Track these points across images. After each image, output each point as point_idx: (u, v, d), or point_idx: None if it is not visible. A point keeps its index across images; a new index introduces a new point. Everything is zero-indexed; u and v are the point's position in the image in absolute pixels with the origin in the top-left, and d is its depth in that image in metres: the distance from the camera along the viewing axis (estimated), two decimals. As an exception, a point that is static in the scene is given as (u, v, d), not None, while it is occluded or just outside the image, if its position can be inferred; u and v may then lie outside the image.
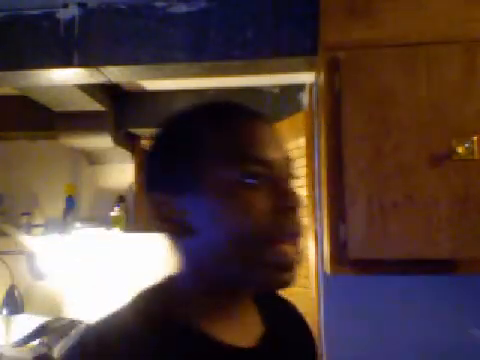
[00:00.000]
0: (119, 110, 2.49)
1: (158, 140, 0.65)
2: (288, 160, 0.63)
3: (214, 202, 0.58)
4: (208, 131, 0.60)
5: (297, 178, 0.64)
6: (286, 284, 0.60)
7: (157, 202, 0.61)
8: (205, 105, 0.65)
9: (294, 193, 0.60)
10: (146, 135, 2.72)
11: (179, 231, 0.61)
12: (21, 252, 2.63)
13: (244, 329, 0.65)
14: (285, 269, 0.59)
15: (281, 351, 0.67)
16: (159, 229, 0.63)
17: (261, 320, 0.68)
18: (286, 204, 0.59)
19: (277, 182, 0.60)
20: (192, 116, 0.64)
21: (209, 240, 0.59)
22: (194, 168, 0.59)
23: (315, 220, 1.80)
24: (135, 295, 0.64)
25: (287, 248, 0.59)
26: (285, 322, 0.73)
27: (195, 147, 0.60)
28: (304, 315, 0.80)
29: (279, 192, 0.59)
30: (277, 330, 0.69)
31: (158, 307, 0.61)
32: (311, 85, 1.94)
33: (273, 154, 0.60)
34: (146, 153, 0.66)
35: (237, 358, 0.60)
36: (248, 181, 0.58)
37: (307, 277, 1.93)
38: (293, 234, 0.60)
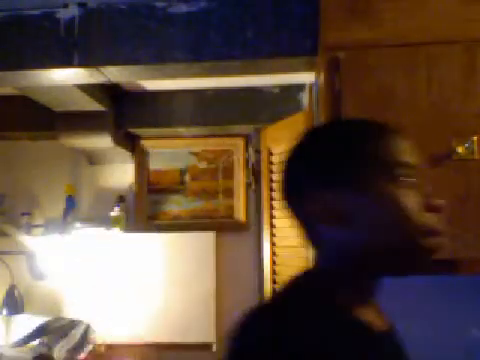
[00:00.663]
0: (119, 110, 2.49)
1: (314, 146, 0.75)
2: (419, 165, 0.72)
3: (374, 199, 0.68)
4: (365, 142, 0.71)
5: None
6: (431, 263, 0.71)
7: (323, 199, 0.70)
8: (352, 121, 0.81)
9: (433, 195, 0.70)
10: (145, 135, 2.73)
11: (341, 223, 0.69)
12: (21, 252, 2.63)
13: (380, 316, 0.76)
14: (432, 253, 0.70)
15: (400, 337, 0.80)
16: (320, 222, 0.71)
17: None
18: (432, 203, 0.69)
19: (420, 184, 0.70)
20: (347, 130, 0.76)
21: (368, 230, 0.68)
22: (356, 173, 0.70)
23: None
24: (281, 288, 0.72)
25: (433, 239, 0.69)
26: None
27: (357, 155, 0.71)
28: None
29: (424, 192, 0.70)
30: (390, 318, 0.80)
31: (313, 294, 0.69)
32: (311, 85, 1.94)
33: (415, 160, 0.71)
34: (300, 158, 0.76)
35: (382, 340, 0.72)
36: (401, 181, 0.68)
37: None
38: (437, 231, 0.69)
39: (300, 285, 0.72)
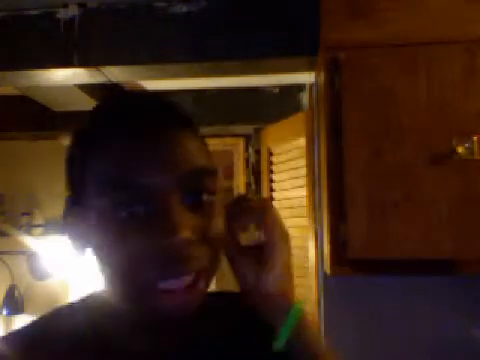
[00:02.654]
0: (119, 110, 2.49)
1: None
2: (186, 181, 0.50)
3: (94, 230, 0.50)
4: (82, 151, 0.52)
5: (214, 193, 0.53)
6: (173, 322, 0.52)
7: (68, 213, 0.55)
8: (92, 111, 0.55)
9: (185, 224, 0.47)
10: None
11: (79, 247, 0.55)
12: (21, 252, 2.63)
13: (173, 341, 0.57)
14: (166, 317, 0.51)
15: (204, 354, 0.58)
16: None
17: (186, 326, 0.57)
18: (166, 242, 0.47)
19: (159, 212, 0.48)
20: (77, 132, 0.55)
21: (99, 266, 0.53)
22: (76, 190, 0.53)
23: (315, 220, 1.80)
24: (64, 304, 0.61)
25: (169, 301, 0.49)
26: (222, 322, 0.63)
27: (74, 168, 0.53)
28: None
29: (157, 225, 0.47)
30: (206, 333, 0.60)
31: (82, 317, 0.57)
32: (311, 85, 1.94)
33: (153, 177, 0.48)
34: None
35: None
36: (120, 211, 0.48)
37: (307, 277, 1.93)
38: (178, 281, 0.49)
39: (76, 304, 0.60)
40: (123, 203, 0.48)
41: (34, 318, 0.59)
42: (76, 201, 0.53)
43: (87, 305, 0.59)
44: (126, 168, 0.48)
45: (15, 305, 2.60)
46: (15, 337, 0.56)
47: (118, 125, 0.50)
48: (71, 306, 0.60)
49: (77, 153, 0.53)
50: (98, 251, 0.52)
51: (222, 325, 0.62)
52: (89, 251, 0.54)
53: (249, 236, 0.61)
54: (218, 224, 0.52)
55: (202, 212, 0.50)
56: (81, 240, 0.54)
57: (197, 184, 0.51)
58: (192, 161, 0.51)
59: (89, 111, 0.55)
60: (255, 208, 0.59)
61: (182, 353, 0.56)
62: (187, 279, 0.49)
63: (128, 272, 0.49)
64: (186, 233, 0.47)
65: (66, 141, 2.54)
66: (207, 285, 0.54)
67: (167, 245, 0.47)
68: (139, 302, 0.51)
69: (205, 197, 0.51)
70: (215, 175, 0.53)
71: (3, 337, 0.57)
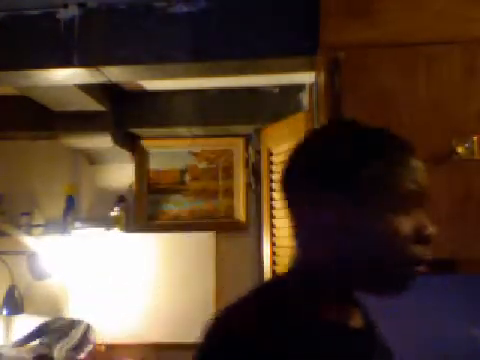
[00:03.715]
0: (119, 110, 2.49)
1: (322, 149, 0.73)
2: (425, 191, 0.70)
3: (369, 219, 0.67)
4: (376, 160, 0.69)
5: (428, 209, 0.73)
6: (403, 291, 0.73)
7: (320, 204, 0.69)
8: (369, 130, 0.76)
9: (428, 225, 0.69)
10: (145, 135, 2.72)
11: (331, 232, 0.69)
12: (21, 252, 2.63)
13: (355, 316, 0.76)
14: (412, 280, 0.71)
15: (377, 335, 0.80)
16: (312, 225, 0.71)
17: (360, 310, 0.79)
18: (425, 233, 0.68)
19: (415, 211, 0.68)
20: (361, 140, 0.73)
21: (355, 246, 0.68)
22: (359, 190, 0.68)
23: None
24: (253, 290, 0.72)
25: (417, 272, 0.69)
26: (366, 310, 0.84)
27: (365, 173, 0.68)
28: None
29: (417, 221, 0.68)
30: (366, 316, 0.80)
31: (281, 299, 0.69)
32: (311, 85, 1.94)
33: (421, 186, 0.69)
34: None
35: (354, 337, 0.72)
36: (401, 208, 0.67)
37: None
38: (422, 263, 0.69)
39: (273, 286, 0.74)
40: (411, 201, 0.68)
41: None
42: (349, 201, 0.68)
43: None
44: (412, 181, 0.69)
45: (15, 305, 2.60)
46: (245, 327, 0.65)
47: (405, 155, 0.71)
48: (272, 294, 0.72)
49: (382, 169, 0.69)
50: (364, 233, 0.68)
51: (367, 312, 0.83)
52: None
53: None
54: None
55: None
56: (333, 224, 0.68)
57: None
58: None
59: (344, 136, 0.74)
60: None
61: (367, 329, 0.77)
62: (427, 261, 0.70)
63: (397, 247, 0.67)
64: (433, 229, 0.70)
65: (67, 141, 2.54)
66: None
67: (429, 234, 0.69)
68: (398, 269, 0.69)
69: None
70: None
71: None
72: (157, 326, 2.59)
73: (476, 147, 1.08)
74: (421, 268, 0.70)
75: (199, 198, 2.71)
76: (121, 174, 2.83)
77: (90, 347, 2.48)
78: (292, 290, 0.71)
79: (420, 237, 0.68)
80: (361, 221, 0.67)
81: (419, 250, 0.68)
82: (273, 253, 2.23)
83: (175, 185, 2.73)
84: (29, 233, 2.72)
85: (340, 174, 0.69)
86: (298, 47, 1.46)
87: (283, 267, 2.15)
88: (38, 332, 2.51)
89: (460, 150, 1.09)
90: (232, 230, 2.67)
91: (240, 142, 2.68)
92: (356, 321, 0.75)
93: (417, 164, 0.70)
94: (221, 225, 2.67)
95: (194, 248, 2.62)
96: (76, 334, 2.47)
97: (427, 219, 0.70)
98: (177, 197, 2.72)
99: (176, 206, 2.72)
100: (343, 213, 0.67)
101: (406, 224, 0.67)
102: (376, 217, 0.67)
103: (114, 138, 2.49)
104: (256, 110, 2.43)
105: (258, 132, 2.48)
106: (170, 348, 2.56)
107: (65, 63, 1.53)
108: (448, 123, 1.11)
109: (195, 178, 2.72)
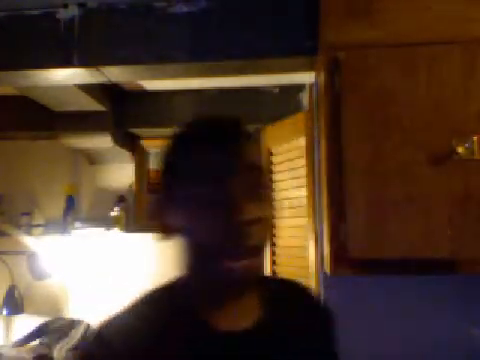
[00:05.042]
0: (119, 110, 2.49)
1: (165, 152, 0.74)
2: (248, 176, 0.67)
3: (183, 215, 0.67)
4: (176, 156, 0.71)
5: (265, 192, 0.71)
6: (237, 294, 0.69)
7: (161, 210, 0.72)
8: (182, 130, 0.74)
9: (248, 208, 0.64)
10: (145, 135, 2.72)
11: (169, 233, 0.72)
12: (21, 252, 2.63)
13: (241, 314, 0.72)
14: (232, 284, 0.67)
15: (277, 333, 0.73)
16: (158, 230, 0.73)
17: (260, 305, 0.75)
18: (237, 220, 0.63)
19: (229, 199, 0.64)
20: (172, 141, 0.73)
21: (183, 245, 0.70)
22: (169, 186, 0.70)
23: (315, 220, 1.80)
24: (151, 288, 0.75)
25: (238, 264, 0.64)
26: (290, 306, 0.79)
27: (171, 169, 0.71)
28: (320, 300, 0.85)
29: (230, 208, 0.64)
30: (276, 314, 0.75)
31: (166, 297, 0.72)
32: (311, 85, 1.94)
33: (222, 171, 0.66)
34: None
35: (229, 340, 0.68)
36: (201, 199, 0.65)
37: (307, 277, 1.93)
38: (245, 250, 0.64)
39: (157, 290, 0.75)
40: (206, 192, 0.65)
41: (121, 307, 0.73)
42: (168, 197, 0.70)
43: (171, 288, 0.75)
44: (209, 166, 0.66)
45: (15, 305, 2.60)
46: (111, 324, 0.71)
47: (201, 139, 0.70)
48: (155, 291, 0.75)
49: (170, 156, 0.71)
50: (185, 232, 0.68)
51: (288, 309, 0.78)
52: (174, 236, 0.71)
53: None
54: (271, 213, 0.69)
55: (260, 203, 0.67)
56: (170, 227, 0.70)
57: (256, 178, 0.68)
58: (252, 161, 0.69)
59: (180, 129, 0.73)
60: None
61: (257, 329, 0.71)
62: (251, 250, 0.65)
63: (209, 243, 0.65)
64: (251, 215, 0.64)
65: (67, 141, 2.54)
66: (262, 259, 0.69)
67: (238, 223, 0.63)
68: (216, 266, 0.65)
69: (262, 191, 0.69)
70: (263, 171, 0.71)
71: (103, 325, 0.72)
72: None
73: (476, 147, 1.08)
74: (245, 261, 0.65)
75: (199, 198, 2.71)
76: (121, 174, 2.83)
77: (90, 347, 2.48)
78: (171, 291, 0.74)
79: (233, 223, 0.64)
80: (182, 221, 0.68)
81: (233, 236, 0.64)
82: (273, 253, 2.23)
83: (175, 185, 2.73)
84: (29, 233, 2.72)
85: (163, 176, 0.72)
86: (298, 47, 1.46)
87: (283, 267, 2.16)
88: (38, 332, 2.51)
89: (460, 150, 1.09)
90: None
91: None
92: (243, 320, 0.71)
93: (224, 152, 0.68)
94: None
95: (194, 248, 2.62)
96: (76, 334, 2.47)
97: (242, 204, 0.64)
98: (177, 197, 2.72)
99: (176, 206, 2.72)
100: (173, 216, 0.69)
101: (212, 211, 0.65)
102: (185, 213, 0.67)
103: (114, 138, 2.49)
104: (256, 110, 2.43)
105: (258, 132, 2.48)
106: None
107: (65, 63, 1.53)
108: (448, 123, 1.11)
109: (195, 178, 2.72)
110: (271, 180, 2.25)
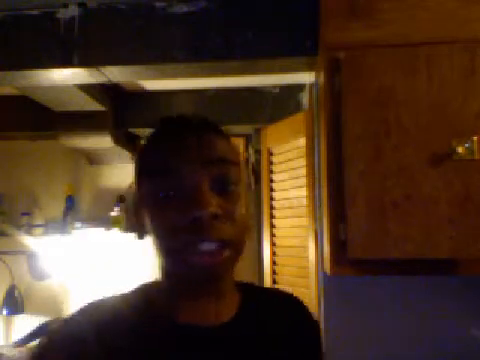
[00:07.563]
0: (119, 110, 2.49)
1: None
2: (214, 170, 0.64)
3: (149, 212, 0.65)
4: (143, 153, 0.69)
5: (234, 183, 0.66)
6: (204, 291, 0.67)
7: (134, 209, 0.71)
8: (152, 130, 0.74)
9: (210, 202, 0.60)
10: (145, 135, 2.73)
11: (142, 232, 0.70)
12: (21, 252, 2.63)
13: (213, 312, 0.69)
14: (194, 280, 0.64)
15: (249, 335, 0.70)
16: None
17: (239, 306, 0.72)
18: (196, 213, 0.60)
19: (188, 191, 0.62)
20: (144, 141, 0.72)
21: (152, 242, 0.68)
22: (139, 184, 0.68)
23: (315, 220, 1.80)
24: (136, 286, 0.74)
25: (199, 260, 0.61)
26: (274, 313, 0.76)
27: (139, 167, 0.69)
28: (307, 309, 0.81)
29: (189, 201, 0.61)
30: (254, 318, 0.72)
31: (142, 297, 0.72)
32: (311, 85, 1.94)
33: (186, 165, 0.63)
34: None
35: (199, 337, 0.66)
36: (162, 192, 0.63)
37: (307, 277, 1.93)
38: (206, 245, 0.61)
39: (136, 289, 0.75)
40: (165, 187, 0.63)
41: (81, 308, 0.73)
42: (139, 196, 0.68)
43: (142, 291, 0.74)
44: (167, 160, 0.64)
45: (15, 305, 2.60)
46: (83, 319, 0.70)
47: (164, 133, 0.69)
48: (127, 293, 0.74)
49: (137, 156, 0.70)
50: (151, 229, 0.65)
51: (271, 315, 0.75)
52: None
53: None
54: (242, 210, 0.65)
55: (227, 198, 0.64)
56: (140, 225, 0.69)
57: (222, 172, 0.64)
58: (218, 154, 0.65)
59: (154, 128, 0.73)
60: None
61: (227, 329, 0.68)
62: (212, 245, 0.61)
63: (169, 239, 0.63)
64: (212, 209, 0.60)
65: (67, 141, 2.54)
66: (234, 257, 0.65)
67: (197, 217, 0.60)
68: (178, 262, 0.63)
69: (230, 187, 0.65)
70: (237, 167, 0.67)
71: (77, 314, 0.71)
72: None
73: (476, 147, 1.08)
74: (204, 252, 0.61)
75: (199, 198, 2.71)
76: (121, 174, 2.83)
77: (90, 347, 2.48)
78: (147, 288, 0.73)
79: (191, 218, 0.61)
80: (147, 217, 0.66)
81: (193, 232, 0.61)
82: (273, 253, 2.23)
83: (175, 185, 2.73)
84: (29, 233, 2.72)
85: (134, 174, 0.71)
86: (298, 47, 1.46)
87: (283, 267, 2.16)
88: (38, 332, 2.51)
89: (460, 150, 1.09)
90: (232, 230, 2.66)
91: (240, 142, 2.68)
92: (216, 319, 0.68)
93: (174, 143, 0.66)
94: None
95: (194, 248, 2.62)
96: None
97: (202, 197, 0.61)
98: (177, 197, 2.72)
99: (176, 206, 2.72)
100: (139, 211, 0.69)
101: (171, 207, 0.62)
102: (147, 212, 0.65)
103: (114, 138, 2.49)
104: (256, 110, 2.43)
105: (258, 132, 2.48)
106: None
107: (65, 63, 1.53)
108: (448, 123, 1.11)
109: (195, 178, 2.72)
110: (271, 180, 2.25)
